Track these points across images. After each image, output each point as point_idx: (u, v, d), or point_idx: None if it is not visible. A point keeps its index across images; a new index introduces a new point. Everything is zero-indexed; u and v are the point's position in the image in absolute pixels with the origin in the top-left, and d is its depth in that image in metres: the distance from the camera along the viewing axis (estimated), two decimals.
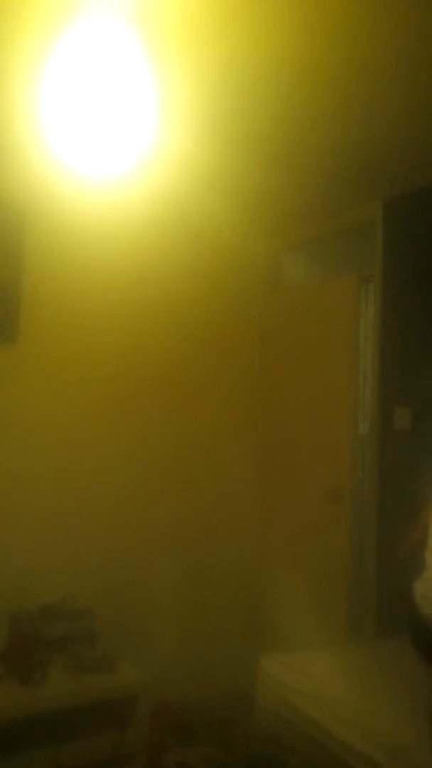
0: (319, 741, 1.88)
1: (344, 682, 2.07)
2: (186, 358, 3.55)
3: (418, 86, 2.13)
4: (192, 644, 3.38)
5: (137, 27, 1.79)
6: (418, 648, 1.93)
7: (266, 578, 3.60)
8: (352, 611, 3.14)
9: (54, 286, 3.17)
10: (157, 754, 2.77)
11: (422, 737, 1.75)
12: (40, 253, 3.11)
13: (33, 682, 2.62)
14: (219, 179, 2.90)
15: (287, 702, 2.05)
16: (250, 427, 3.78)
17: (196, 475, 3.56)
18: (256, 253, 3.82)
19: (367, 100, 2.23)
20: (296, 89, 2.17)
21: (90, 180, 2.49)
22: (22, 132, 2.42)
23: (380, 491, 3.06)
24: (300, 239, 3.75)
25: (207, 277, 3.59)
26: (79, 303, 3.23)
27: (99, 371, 3.29)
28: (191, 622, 3.40)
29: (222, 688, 3.18)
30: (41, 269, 3.12)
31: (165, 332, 3.49)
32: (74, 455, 3.20)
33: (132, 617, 3.25)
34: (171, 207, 3.22)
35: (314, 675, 2.12)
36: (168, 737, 2.92)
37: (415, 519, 2.55)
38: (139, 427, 3.40)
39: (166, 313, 3.48)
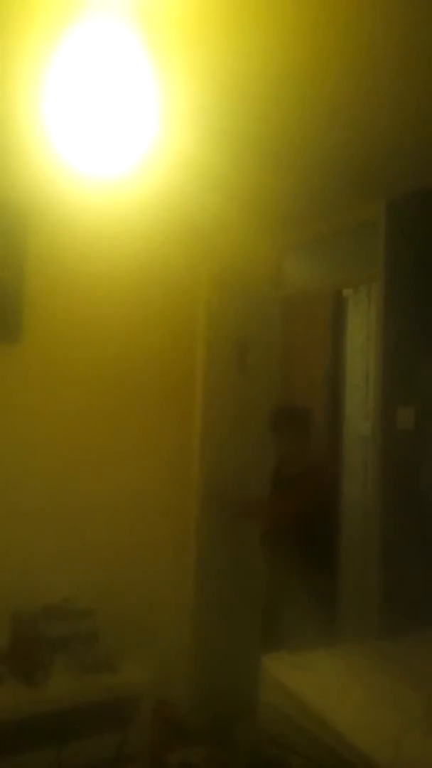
0: (323, 741, 1.88)
1: (348, 682, 2.07)
2: (186, 358, 3.55)
3: (419, 85, 2.13)
4: (195, 643, 3.38)
5: (139, 28, 1.79)
6: None
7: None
8: (355, 611, 3.14)
9: (57, 285, 3.17)
10: (160, 753, 2.77)
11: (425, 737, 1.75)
12: (42, 252, 3.11)
13: (35, 682, 2.62)
14: (221, 180, 2.90)
15: (290, 702, 2.05)
16: None
17: None
18: (258, 254, 3.82)
19: (369, 99, 2.23)
20: (298, 89, 2.17)
21: (92, 180, 2.50)
22: (24, 132, 2.43)
23: (382, 491, 3.06)
24: (302, 239, 3.75)
25: (208, 276, 3.59)
26: (82, 302, 3.23)
27: (102, 370, 3.30)
28: (194, 621, 3.40)
29: (225, 687, 3.18)
30: (44, 269, 3.12)
31: (165, 332, 3.49)
32: (77, 455, 3.21)
33: (134, 617, 3.25)
34: (172, 207, 3.22)
35: (318, 674, 2.11)
36: (171, 737, 2.93)
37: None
38: (143, 425, 3.40)
39: (166, 314, 3.49)
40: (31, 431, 3.09)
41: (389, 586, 2.96)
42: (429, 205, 2.93)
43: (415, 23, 1.81)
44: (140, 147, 2.02)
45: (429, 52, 1.94)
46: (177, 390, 3.51)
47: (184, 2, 1.74)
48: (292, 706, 2.04)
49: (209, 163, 2.70)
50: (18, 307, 3.06)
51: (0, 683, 2.62)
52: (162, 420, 3.47)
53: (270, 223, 3.56)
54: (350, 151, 2.64)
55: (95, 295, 3.26)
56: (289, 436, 3.25)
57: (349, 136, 2.50)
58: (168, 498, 3.46)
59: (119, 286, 3.32)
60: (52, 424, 3.15)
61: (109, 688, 2.75)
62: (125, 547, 3.30)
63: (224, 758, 2.65)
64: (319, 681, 2.08)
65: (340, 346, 3.79)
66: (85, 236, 3.20)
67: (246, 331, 3.66)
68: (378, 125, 2.42)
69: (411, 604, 2.80)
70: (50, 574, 3.02)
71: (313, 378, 3.74)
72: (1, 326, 3.03)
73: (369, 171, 2.84)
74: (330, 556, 3.24)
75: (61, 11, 1.75)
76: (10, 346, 3.06)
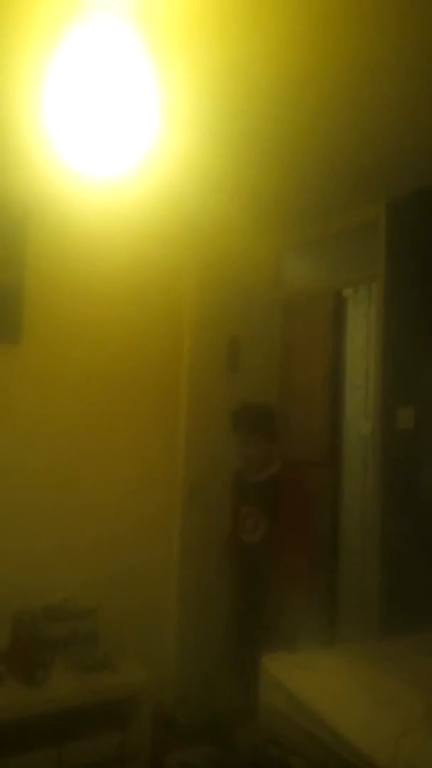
0: (323, 741, 1.88)
1: (348, 682, 2.07)
2: (177, 357, 3.54)
3: (419, 86, 2.13)
4: (195, 643, 3.38)
5: (139, 28, 1.80)
6: None
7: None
8: (355, 611, 3.14)
9: (56, 286, 3.17)
10: (160, 753, 2.77)
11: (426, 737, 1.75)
12: (42, 252, 3.12)
13: (36, 682, 2.62)
14: (221, 180, 2.90)
15: (290, 701, 2.05)
16: None
17: None
18: (258, 254, 3.82)
19: (369, 100, 2.23)
20: (298, 89, 2.17)
21: (92, 181, 2.50)
22: (25, 132, 2.43)
23: (382, 491, 3.06)
24: (302, 239, 3.75)
25: (209, 277, 3.59)
26: (82, 303, 3.24)
27: (101, 371, 3.30)
28: (194, 621, 3.40)
29: (225, 687, 3.18)
30: (44, 270, 3.13)
31: (162, 332, 3.49)
32: (78, 455, 3.21)
33: (135, 617, 3.25)
34: (172, 207, 3.22)
35: (318, 674, 2.11)
36: (171, 737, 2.92)
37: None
38: (142, 426, 3.40)
39: (164, 314, 3.49)
40: (30, 431, 3.09)
41: (389, 586, 2.96)
42: (429, 205, 2.93)
43: (415, 24, 1.81)
44: (140, 147, 2.02)
45: (429, 53, 1.94)
46: (170, 388, 3.51)
47: (184, 2, 1.74)
48: (292, 706, 2.05)
49: (209, 163, 2.70)
50: (18, 308, 3.06)
51: (0, 683, 2.62)
52: (156, 419, 3.47)
53: (270, 223, 3.56)
54: (350, 151, 2.64)
55: (95, 295, 3.27)
56: (252, 438, 2.98)
57: (349, 136, 2.50)
58: (163, 497, 3.46)
59: (118, 286, 3.33)
60: (51, 424, 3.15)
61: (109, 688, 2.76)
62: (125, 546, 3.30)
63: (225, 759, 2.65)
64: (319, 681, 2.08)
65: (340, 346, 3.80)
66: (85, 236, 3.20)
67: (239, 329, 3.64)
68: (378, 126, 2.42)
69: (411, 605, 2.80)
70: (50, 574, 3.03)
71: (313, 378, 3.74)
72: (0, 326, 3.03)
73: (369, 171, 2.84)
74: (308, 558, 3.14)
75: (62, 11, 1.76)
76: (10, 347, 3.06)
